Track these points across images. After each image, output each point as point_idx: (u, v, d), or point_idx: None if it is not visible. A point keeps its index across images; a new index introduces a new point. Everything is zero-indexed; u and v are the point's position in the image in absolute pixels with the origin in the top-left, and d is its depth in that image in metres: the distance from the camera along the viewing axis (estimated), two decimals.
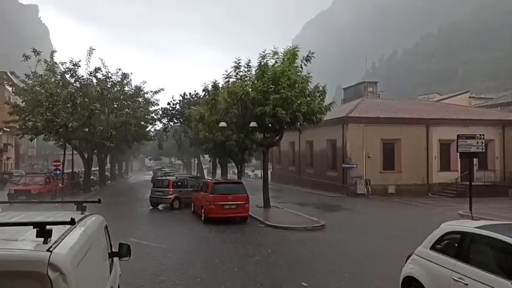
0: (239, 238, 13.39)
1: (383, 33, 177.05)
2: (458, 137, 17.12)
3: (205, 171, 47.85)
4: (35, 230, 2.62)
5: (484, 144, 17.23)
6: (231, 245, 12.20)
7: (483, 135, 17.48)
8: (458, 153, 17.85)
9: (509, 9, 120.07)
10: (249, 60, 19.64)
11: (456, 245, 5.58)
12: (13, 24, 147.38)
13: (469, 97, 48.48)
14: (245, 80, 19.71)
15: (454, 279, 5.16)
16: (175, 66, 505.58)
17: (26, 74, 25.95)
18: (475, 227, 5.46)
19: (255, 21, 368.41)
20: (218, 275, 8.90)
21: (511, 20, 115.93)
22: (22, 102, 26.66)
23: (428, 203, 24.06)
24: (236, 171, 29.20)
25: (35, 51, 23.83)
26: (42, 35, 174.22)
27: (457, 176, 28.88)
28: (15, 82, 27.79)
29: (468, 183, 17.95)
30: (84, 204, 4.18)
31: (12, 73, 27.56)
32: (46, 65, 25.41)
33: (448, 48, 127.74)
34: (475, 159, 20.82)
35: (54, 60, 26.35)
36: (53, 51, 27.09)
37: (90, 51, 27.00)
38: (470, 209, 16.63)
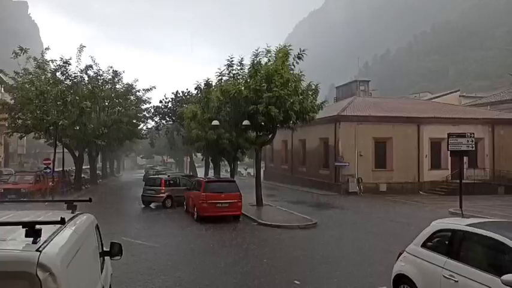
0: (232, 236, 13.39)
1: (376, 31, 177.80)
2: (449, 135, 17.30)
3: (198, 170, 47.70)
4: (24, 229, 2.59)
5: (474, 142, 17.42)
6: (223, 244, 12.19)
7: (473, 133, 17.68)
8: (448, 152, 18.04)
9: (502, 8, 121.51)
10: (242, 59, 19.64)
11: (447, 242, 5.64)
12: (2, 21, 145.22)
13: (460, 96, 48.98)
14: (238, 78, 19.67)
15: (444, 277, 5.21)
16: (167, 65, 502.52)
17: (15, 72, 25.60)
18: (465, 225, 5.52)
19: (248, 19, 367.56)
20: (210, 273, 8.89)
21: (504, 19, 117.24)
22: (11, 99, 26.30)
23: (419, 201, 24.28)
24: (229, 170, 29.15)
25: (21, 48, 23.50)
26: (31, 32, 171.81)
27: (448, 174, 29.20)
28: (5, 79, 27.42)
29: (458, 181, 18.15)
30: (74, 203, 4.13)
31: (0, 71, 27.15)
32: (36, 62, 25.10)
33: (442, 46, 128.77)
34: (465, 157, 21.07)
35: (44, 58, 26.03)
36: (46, 48, 26.77)
37: (81, 48, 26.71)
38: (461, 206, 16.82)
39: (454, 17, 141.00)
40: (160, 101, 39.22)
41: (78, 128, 26.73)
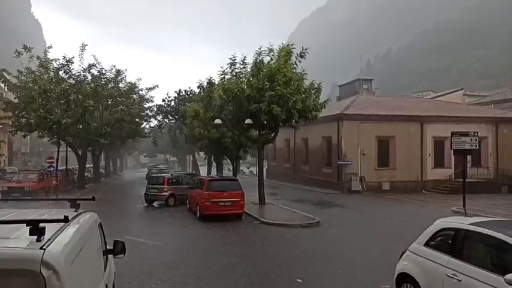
0: (234, 235, 13.41)
1: (378, 30, 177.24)
2: (452, 134, 17.24)
3: (200, 168, 47.76)
4: (28, 228, 2.60)
5: (477, 141, 17.36)
6: (226, 242, 12.21)
7: (477, 132, 17.61)
8: (452, 150, 17.98)
9: (504, 7, 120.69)
10: (245, 57, 19.58)
11: (450, 241, 5.63)
12: (5, 20, 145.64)
13: (463, 94, 48.81)
14: (240, 77, 19.64)
15: (447, 276, 5.20)
16: (167, 63, 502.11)
17: (18, 71, 25.69)
18: (468, 224, 5.50)
19: (248, 19, 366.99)
20: (213, 272, 8.90)
21: (506, 18, 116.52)
22: (15, 98, 26.41)
23: (423, 200, 24.23)
24: (231, 168, 29.19)
25: (25, 47, 23.58)
26: (34, 31, 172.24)
27: (451, 173, 29.10)
28: (8, 78, 27.52)
29: (462, 180, 18.10)
30: (78, 202, 4.14)
31: (4, 70, 27.29)
32: (39, 61, 25.17)
33: (443, 45, 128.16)
34: (468, 156, 20.98)
35: (47, 57, 26.13)
36: (49, 47, 26.86)
37: (83, 47, 26.77)
38: (464, 205, 16.78)
39: (455, 16, 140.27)
40: (163, 100, 39.31)
41: (81, 127, 26.82)
